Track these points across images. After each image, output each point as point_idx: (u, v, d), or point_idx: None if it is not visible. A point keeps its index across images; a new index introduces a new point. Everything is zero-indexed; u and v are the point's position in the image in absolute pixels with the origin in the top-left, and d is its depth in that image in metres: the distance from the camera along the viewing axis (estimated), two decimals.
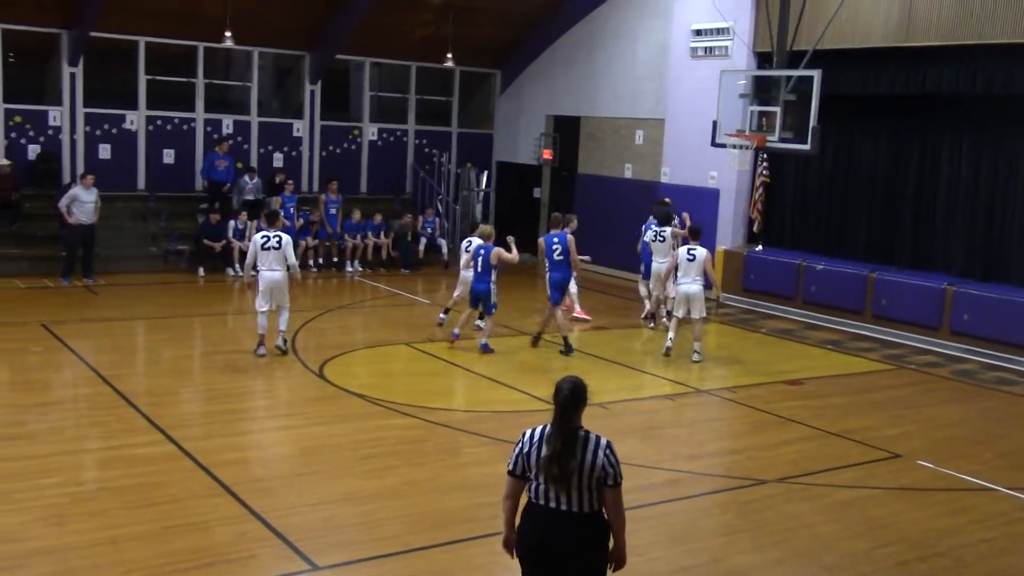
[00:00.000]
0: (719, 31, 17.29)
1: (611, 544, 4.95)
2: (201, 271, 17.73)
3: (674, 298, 13.40)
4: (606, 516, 4.85)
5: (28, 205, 17.56)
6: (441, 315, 14.15)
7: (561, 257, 13.21)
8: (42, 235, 17.24)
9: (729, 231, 17.52)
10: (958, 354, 14.10)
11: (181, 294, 16.29)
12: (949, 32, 14.24)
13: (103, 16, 17.29)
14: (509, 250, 12.83)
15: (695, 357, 12.89)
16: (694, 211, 16.53)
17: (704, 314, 13.05)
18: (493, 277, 12.68)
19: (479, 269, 12.70)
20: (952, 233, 15.28)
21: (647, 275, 15.24)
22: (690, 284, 12.82)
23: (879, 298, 15.26)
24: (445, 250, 20.05)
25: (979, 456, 9.78)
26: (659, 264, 14.38)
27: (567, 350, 12.89)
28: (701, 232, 13.49)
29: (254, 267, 12.32)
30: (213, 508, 7.44)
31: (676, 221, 15.09)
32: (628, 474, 8.10)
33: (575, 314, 15.19)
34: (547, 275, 13.37)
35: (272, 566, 6.58)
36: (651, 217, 15.22)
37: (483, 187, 22.75)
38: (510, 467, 4.90)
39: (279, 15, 18.98)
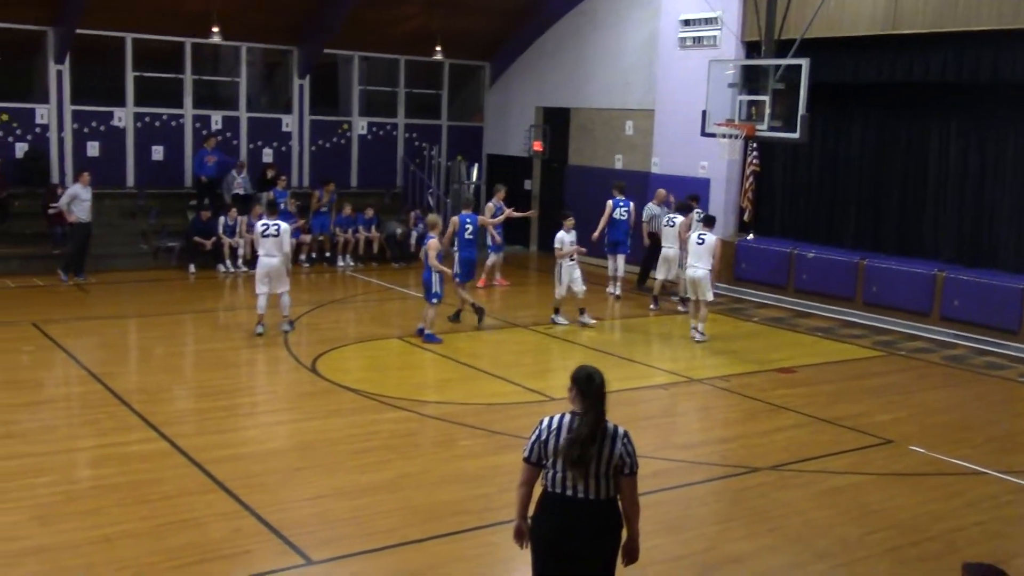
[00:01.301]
0: (707, 21, 17.28)
1: (623, 535, 4.96)
2: (192, 268, 17.67)
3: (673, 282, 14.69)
4: (620, 505, 4.90)
5: (16, 203, 17.48)
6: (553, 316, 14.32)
7: (471, 237, 14.04)
8: (31, 233, 17.17)
9: (720, 220, 17.46)
10: (948, 340, 14.15)
11: (172, 291, 16.25)
12: (935, 20, 14.26)
13: (89, 13, 17.20)
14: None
15: (696, 337, 13.42)
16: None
17: (711, 297, 13.53)
18: (439, 265, 12.73)
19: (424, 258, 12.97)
20: (941, 219, 15.33)
21: (611, 251, 16.56)
22: (696, 269, 13.32)
23: (870, 285, 15.31)
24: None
25: (970, 440, 9.83)
26: (667, 249, 15.32)
27: (454, 318, 13.87)
28: (714, 220, 14.16)
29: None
30: (207, 504, 7.44)
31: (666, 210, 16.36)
32: None
33: (495, 283, 16.89)
34: (456, 254, 14.21)
35: (267, 561, 6.59)
36: (616, 193, 16.68)
37: (473, 180, 22.73)
38: (526, 454, 4.92)
39: (266, 10, 18.91)
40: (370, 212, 19.53)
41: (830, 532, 7.41)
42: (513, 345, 13.31)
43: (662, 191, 17.09)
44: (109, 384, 10.48)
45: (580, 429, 4.77)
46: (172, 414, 9.78)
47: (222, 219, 17.93)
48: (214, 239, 17.83)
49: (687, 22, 17.69)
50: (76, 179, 16.53)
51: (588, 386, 4.83)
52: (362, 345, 13.04)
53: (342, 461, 8.57)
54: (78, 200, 16.13)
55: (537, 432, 4.91)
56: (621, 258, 16.59)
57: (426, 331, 12.85)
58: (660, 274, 15.59)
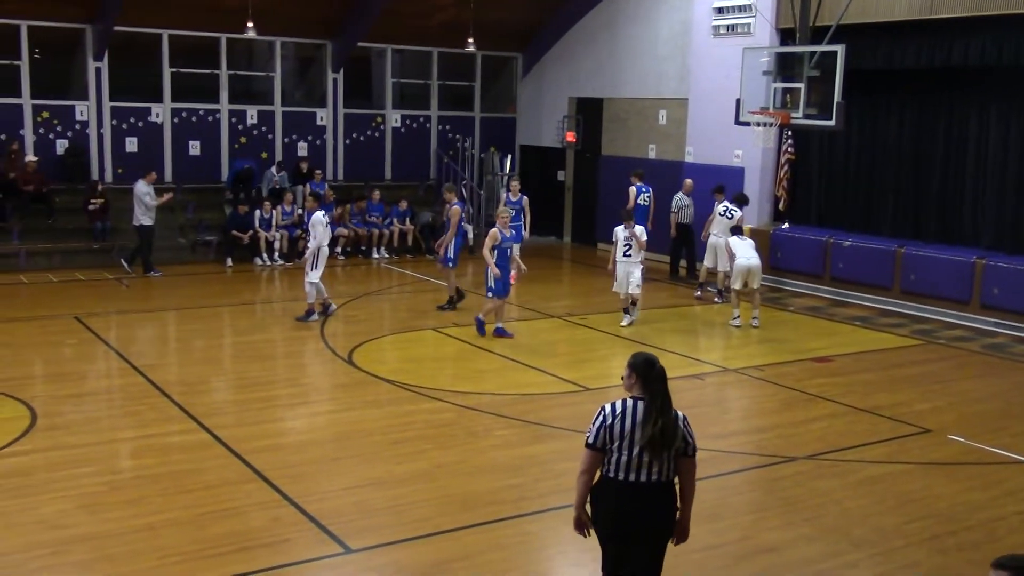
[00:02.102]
0: (741, 8, 17.17)
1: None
2: (229, 261, 17.87)
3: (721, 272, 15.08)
4: (676, 486, 5.02)
5: (58, 199, 17.76)
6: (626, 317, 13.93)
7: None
8: (72, 228, 17.45)
9: (755, 209, 17.43)
10: (988, 328, 13.99)
11: (210, 284, 16.45)
12: (975, 3, 14.07)
13: (126, 10, 17.42)
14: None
15: (754, 323, 13.70)
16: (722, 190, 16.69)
17: (760, 284, 13.97)
18: (491, 259, 12.55)
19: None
20: (980, 206, 15.14)
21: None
22: (751, 259, 13.61)
23: (907, 273, 15.16)
24: (471, 235, 20.02)
25: (1010, 429, 9.73)
26: (716, 238, 15.23)
27: (450, 306, 14.26)
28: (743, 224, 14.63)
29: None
30: (247, 494, 7.55)
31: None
32: None
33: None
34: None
35: (306, 550, 6.68)
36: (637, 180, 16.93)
37: (507, 171, 22.75)
38: (590, 440, 4.95)
39: (300, 4, 19.06)
40: (404, 204, 19.63)
41: (867, 521, 7.38)
42: (547, 335, 13.33)
43: (689, 181, 17.08)
44: (150, 376, 10.64)
45: (655, 417, 4.87)
46: (212, 405, 9.92)
47: (258, 213, 18.11)
48: (251, 233, 18.01)
49: (720, 10, 17.58)
50: (142, 177, 16.79)
51: (649, 371, 4.98)
52: (397, 336, 13.13)
53: (379, 451, 8.65)
54: (151, 196, 16.54)
55: (602, 418, 4.94)
56: None
57: (496, 324, 12.77)
58: (709, 262, 15.57)
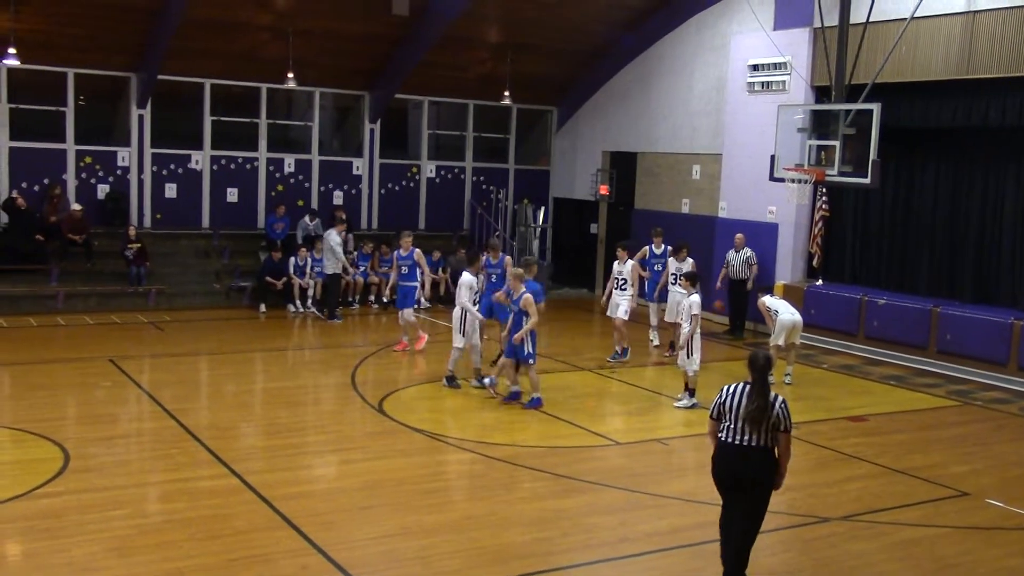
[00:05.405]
0: (776, 66, 17.24)
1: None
2: (263, 307, 18.01)
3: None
4: (776, 454, 6.67)
5: (97, 243, 18.02)
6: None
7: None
8: (110, 272, 17.69)
9: (789, 265, 17.38)
10: None
11: (243, 330, 16.56)
12: (1011, 63, 14.07)
13: (170, 60, 17.82)
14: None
15: (787, 380, 13.63)
16: (753, 246, 16.70)
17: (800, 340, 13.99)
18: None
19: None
20: (1018, 266, 14.98)
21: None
22: (795, 314, 13.63)
23: (943, 333, 14.99)
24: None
25: None
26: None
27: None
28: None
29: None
30: (276, 541, 7.53)
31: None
32: (686, 511, 8.03)
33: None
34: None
35: None
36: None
37: (540, 223, 22.86)
38: (712, 414, 6.80)
39: (339, 56, 19.38)
40: (437, 254, 19.71)
41: None
42: (578, 388, 13.27)
43: (740, 236, 16.92)
44: (182, 420, 10.70)
45: (756, 398, 6.51)
46: (242, 451, 9.94)
47: (292, 260, 18.26)
48: (284, 280, 18.16)
49: (756, 67, 17.68)
50: (332, 227, 17.66)
51: (754, 364, 6.62)
52: (428, 386, 13.11)
53: (409, 500, 8.61)
54: (339, 247, 17.27)
55: (719, 396, 6.73)
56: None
57: (533, 395, 11.90)
58: (671, 318, 14.98)
